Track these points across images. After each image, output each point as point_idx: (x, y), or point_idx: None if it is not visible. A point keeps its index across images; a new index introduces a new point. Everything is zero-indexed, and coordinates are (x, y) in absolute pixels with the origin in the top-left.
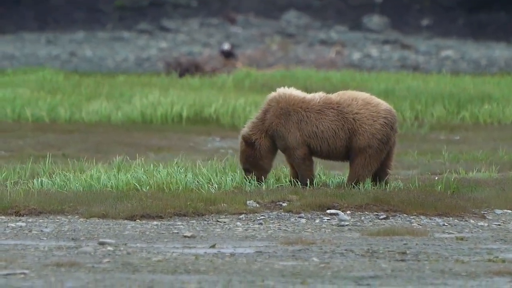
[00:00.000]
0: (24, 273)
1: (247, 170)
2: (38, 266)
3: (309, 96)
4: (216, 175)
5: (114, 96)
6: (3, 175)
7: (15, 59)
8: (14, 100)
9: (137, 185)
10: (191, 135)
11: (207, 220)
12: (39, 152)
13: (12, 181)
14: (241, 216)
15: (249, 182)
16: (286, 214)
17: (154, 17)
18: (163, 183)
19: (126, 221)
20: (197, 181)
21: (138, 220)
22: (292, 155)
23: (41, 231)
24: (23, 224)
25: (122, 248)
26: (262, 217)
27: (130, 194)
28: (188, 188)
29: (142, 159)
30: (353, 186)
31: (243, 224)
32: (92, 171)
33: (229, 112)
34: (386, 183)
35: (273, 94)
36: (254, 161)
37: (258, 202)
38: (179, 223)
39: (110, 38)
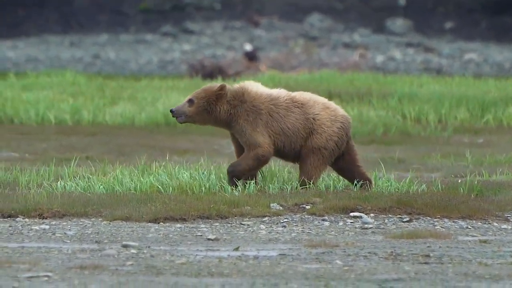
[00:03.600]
0: (47, 276)
1: (190, 102)
2: (62, 269)
3: (274, 92)
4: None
5: (137, 99)
6: (27, 177)
7: (39, 61)
8: (37, 103)
9: (161, 188)
10: (216, 137)
11: (230, 223)
12: (62, 155)
13: (36, 184)
14: (264, 219)
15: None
16: (309, 216)
17: (177, 20)
18: (186, 185)
19: (149, 223)
20: (221, 184)
21: (161, 223)
22: (251, 152)
23: (65, 233)
24: (47, 227)
25: (145, 251)
26: (286, 220)
27: (154, 197)
28: (212, 191)
29: (165, 161)
30: (309, 183)
31: (266, 227)
32: (116, 173)
33: None
34: (365, 187)
35: (240, 86)
36: (200, 110)
37: (281, 205)
38: (203, 225)
39: (133, 40)
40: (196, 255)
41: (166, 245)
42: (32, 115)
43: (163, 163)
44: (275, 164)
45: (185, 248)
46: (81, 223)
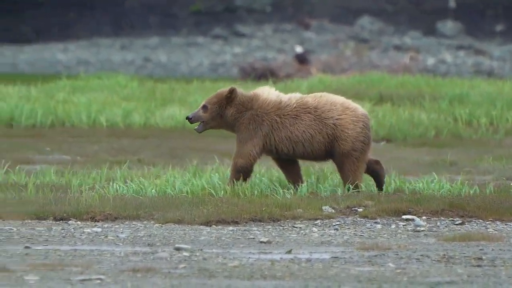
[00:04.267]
0: (100, 279)
1: (204, 108)
2: (114, 272)
3: (285, 98)
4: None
5: (188, 102)
6: (79, 180)
7: (90, 64)
8: (89, 106)
9: (212, 191)
10: None
11: (282, 225)
12: (114, 158)
13: (88, 187)
14: (316, 222)
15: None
16: (361, 219)
17: (228, 23)
18: (238, 188)
19: (201, 226)
20: (273, 187)
21: (213, 226)
22: (232, 165)
23: (117, 236)
24: (99, 230)
25: (198, 254)
26: (338, 223)
27: (206, 200)
28: (264, 194)
29: (217, 164)
30: (355, 188)
31: (318, 230)
32: (167, 176)
33: None
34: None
35: (253, 92)
36: (214, 115)
37: (333, 208)
38: (255, 228)
39: (184, 43)
40: (249, 258)
41: (218, 248)
42: (83, 118)
43: (214, 166)
44: (327, 167)
45: (237, 251)
46: (133, 226)
